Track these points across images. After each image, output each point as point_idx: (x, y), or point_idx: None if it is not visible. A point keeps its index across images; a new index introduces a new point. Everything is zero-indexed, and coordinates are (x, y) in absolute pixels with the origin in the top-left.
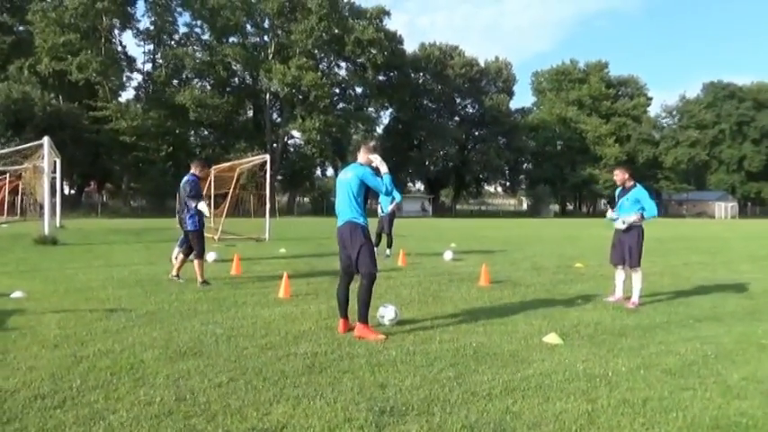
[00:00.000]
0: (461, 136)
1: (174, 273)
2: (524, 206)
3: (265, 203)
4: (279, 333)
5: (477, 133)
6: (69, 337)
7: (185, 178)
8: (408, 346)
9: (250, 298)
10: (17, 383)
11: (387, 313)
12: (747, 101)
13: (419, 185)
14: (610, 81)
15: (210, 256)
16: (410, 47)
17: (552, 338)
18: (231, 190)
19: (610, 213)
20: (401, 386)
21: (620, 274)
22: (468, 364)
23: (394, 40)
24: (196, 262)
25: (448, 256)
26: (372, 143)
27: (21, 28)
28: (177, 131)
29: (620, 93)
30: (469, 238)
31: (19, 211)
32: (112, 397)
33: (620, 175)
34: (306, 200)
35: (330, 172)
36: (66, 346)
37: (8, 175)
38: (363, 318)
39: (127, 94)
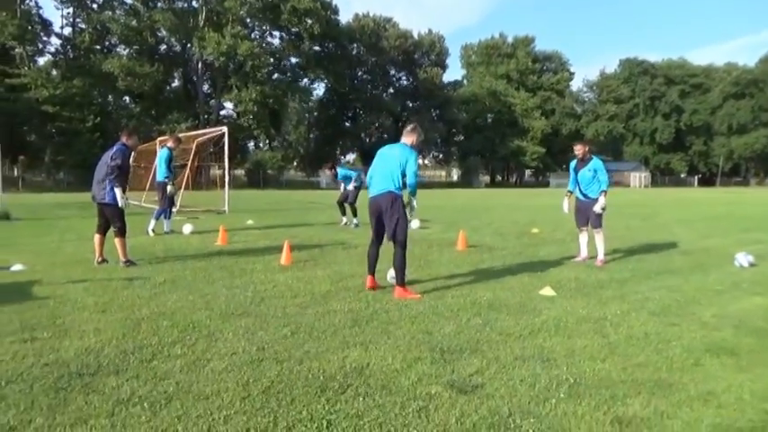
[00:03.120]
0: (396, 108)
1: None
2: (455, 177)
3: (226, 176)
4: (305, 295)
5: (411, 105)
6: (109, 303)
7: (114, 147)
8: (429, 301)
9: (254, 265)
10: (96, 343)
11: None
12: (659, 77)
13: (352, 157)
14: (536, 56)
15: (187, 229)
16: (344, 18)
17: (548, 291)
18: (189, 162)
19: (565, 206)
20: (443, 332)
21: (583, 236)
22: (489, 314)
23: (329, 9)
24: (117, 240)
25: (415, 224)
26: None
27: None
28: (104, 100)
29: (545, 68)
30: (422, 208)
31: None
32: (197, 350)
33: (582, 149)
34: (241, 172)
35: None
36: (115, 311)
37: None
38: (401, 281)
39: (44, 61)
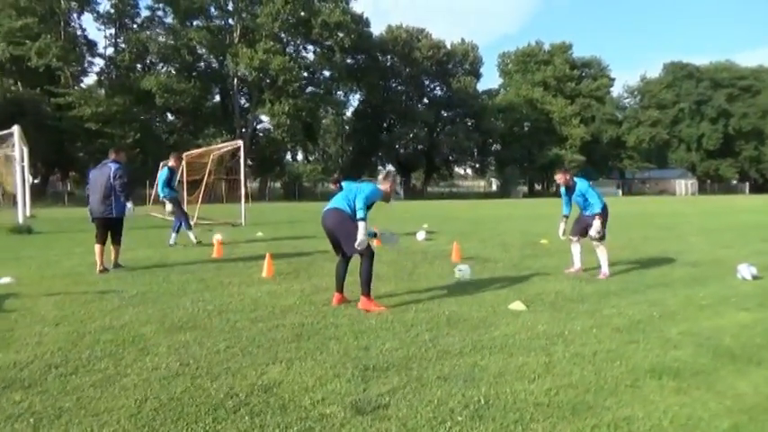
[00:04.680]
0: (430, 118)
1: (101, 267)
2: (494, 187)
3: (239, 189)
4: (266, 308)
5: (445, 115)
6: (68, 317)
7: (113, 166)
8: (387, 315)
9: (235, 278)
10: (29, 356)
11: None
12: (705, 80)
13: (389, 168)
14: (573, 62)
15: (215, 238)
16: (377, 29)
17: (517, 305)
18: (205, 176)
19: (560, 231)
20: (382, 348)
21: (575, 246)
22: (441, 329)
23: (360, 22)
24: (115, 247)
25: (420, 236)
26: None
27: None
28: (143, 117)
29: (583, 74)
30: (441, 219)
31: None
32: (121, 364)
33: (562, 178)
34: (277, 185)
35: (301, 156)
36: (68, 324)
37: None
38: (366, 291)
39: (89, 81)
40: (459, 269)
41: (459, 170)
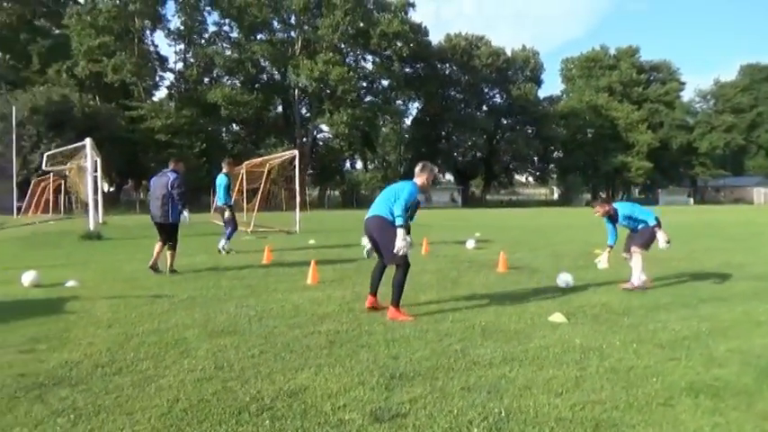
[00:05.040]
0: (489, 126)
1: (152, 262)
2: (555, 195)
3: (297, 197)
4: (305, 314)
5: (505, 123)
6: (120, 319)
7: (171, 176)
8: (423, 325)
9: (280, 284)
10: (80, 356)
11: (567, 279)
12: None
13: (449, 176)
14: (641, 66)
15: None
16: (436, 37)
17: (557, 317)
18: (262, 185)
19: (603, 262)
20: (411, 357)
21: (633, 260)
22: (474, 339)
23: (419, 31)
24: (171, 252)
25: (470, 244)
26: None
27: (57, 32)
28: (209, 128)
29: (651, 78)
30: (495, 228)
31: (63, 209)
32: (161, 366)
33: (601, 210)
34: (336, 193)
35: (360, 165)
36: (118, 326)
37: (51, 174)
38: (395, 301)
39: (160, 94)
40: (561, 279)
41: (519, 178)
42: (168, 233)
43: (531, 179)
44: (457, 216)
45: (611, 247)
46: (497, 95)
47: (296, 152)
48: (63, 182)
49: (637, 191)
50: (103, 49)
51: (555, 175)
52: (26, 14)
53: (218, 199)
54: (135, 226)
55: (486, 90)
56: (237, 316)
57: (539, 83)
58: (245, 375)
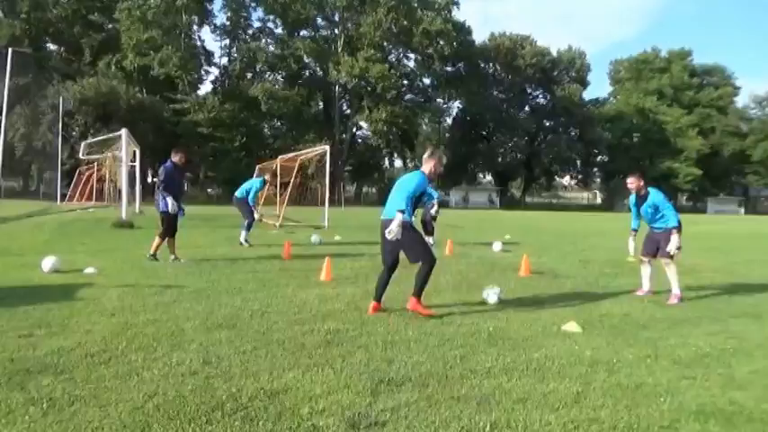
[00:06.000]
0: (531, 127)
1: (152, 252)
2: (599, 200)
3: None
4: (310, 311)
5: (547, 124)
6: (125, 308)
7: (162, 166)
8: (428, 328)
9: (293, 280)
10: (74, 343)
11: (491, 294)
12: None
13: (488, 177)
14: (694, 70)
15: (314, 239)
16: (481, 36)
17: (571, 327)
18: (292, 179)
19: (630, 248)
20: (407, 361)
21: (645, 267)
22: (477, 346)
23: (462, 30)
24: (157, 240)
25: (497, 246)
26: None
27: (109, 26)
28: (251, 123)
29: (704, 82)
30: (528, 230)
31: (106, 198)
32: (150, 358)
33: (635, 183)
34: (374, 190)
35: (398, 163)
36: (121, 315)
37: (96, 163)
38: (417, 293)
39: (205, 88)
40: (488, 293)
41: (562, 181)
42: (161, 221)
43: (573, 183)
44: (490, 217)
45: (635, 231)
46: (540, 96)
47: (327, 148)
48: (108, 171)
49: (684, 198)
50: (151, 43)
51: (598, 179)
52: (81, 9)
53: (244, 194)
54: None
55: (529, 90)
56: (241, 310)
57: (584, 84)
58: (231, 372)
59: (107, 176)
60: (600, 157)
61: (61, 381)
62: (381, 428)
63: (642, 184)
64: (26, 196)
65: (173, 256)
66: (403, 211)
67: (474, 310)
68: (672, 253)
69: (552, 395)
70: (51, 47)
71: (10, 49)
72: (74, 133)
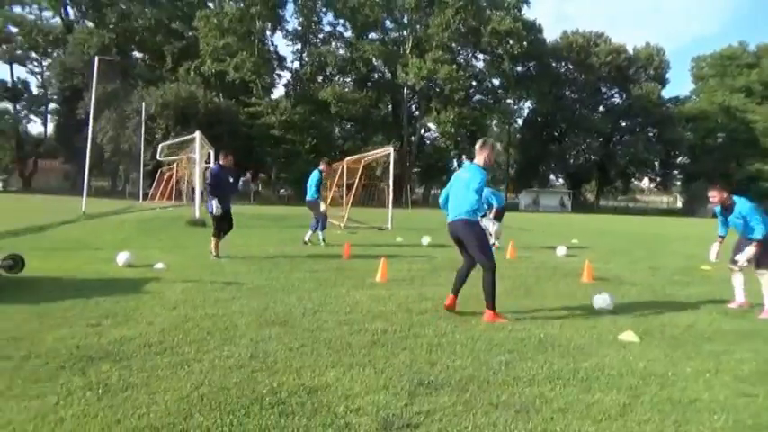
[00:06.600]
0: (606, 128)
1: (213, 252)
2: (679, 204)
3: (390, 194)
4: (361, 311)
5: (623, 125)
6: (186, 302)
7: (211, 168)
8: (477, 332)
9: (349, 280)
10: (135, 333)
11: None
12: None
13: (560, 180)
14: None
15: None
16: (553, 35)
17: (628, 336)
18: (356, 181)
19: (713, 254)
20: (450, 365)
21: (737, 277)
22: (525, 352)
23: (533, 29)
24: (216, 239)
25: (561, 251)
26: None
27: (189, 34)
28: (321, 125)
29: None
30: (598, 235)
31: (185, 197)
32: (202, 350)
33: (717, 197)
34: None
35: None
36: (182, 309)
37: (175, 164)
38: (490, 305)
39: (278, 91)
40: (599, 299)
41: (640, 184)
42: (212, 221)
43: (652, 186)
44: (560, 221)
45: (722, 238)
46: (616, 95)
47: (390, 149)
48: (184, 171)
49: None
50: (227, 49)
51: (679, 182)
52: (164, 18)
53: (309, 194)
54: (242, 216)
55: (603, 90)
56: (294, 308)
57: (663, 82)
58: (275, 367)
59: (184, 177)
60: (680, 158)
61: (118, 368)
62: (414, 430)
63: (726, 195)
64: (113, 195)
65: (214, 253)
66: (484, 215)
67: (528, 316)
68: (741, 263)
69: (596, 406)
70: (137, 54)
71: (96, 58)
72: (157, 136)
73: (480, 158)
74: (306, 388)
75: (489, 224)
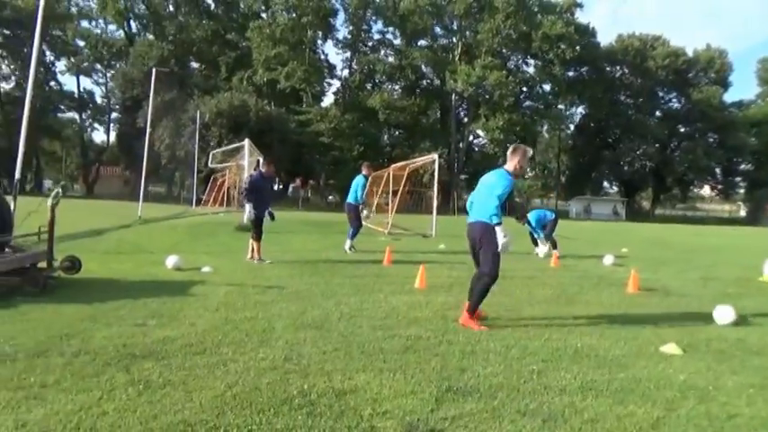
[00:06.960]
0: (662, 133)
1: (257, 256)
2: (742, 212)
3: (435, 201)
4: (396, 317)
5: (682, 130)
6: (228, 305)
7: (254, 174)
8: (511, 340)
9: (388, 286)
10: (178, 334)
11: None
12: None
13: (614, 188)
14: None
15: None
16: (609, 38)
17: (670, 348)
18: (401, 188)
19: None
20: (481, 372)
21: None
22: (559, 362)
23: (586, 33)
24: (257, 243)
25: (608, 260)
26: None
27: (243, 44)
28: (369, 132)
29: None
30: (650, 244)
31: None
32: (239, 351)
33: None
34: None
35: None
36: (223, 311)
37: (227, 171)
38: (472, 307)
39: (328, 99)
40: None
41: (700, 192)
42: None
43: (713, 194)
44: (611, 229)
45: None
46: (674, 100)
47: (435, 156)
48: (234, 178)
49: None
50: (278, 58)
51: (742, 190)
52: (220, 30)
53: (356, 199)
54: (289, 222)
55: (660, 94)
56: (331, 312)
57: (725, 86)
58: (308, 370)
59: (235, 183)
60: (744, 165)
61: (159, 366)
62: None
63: None
64: (169, 201)
65: (248, 255)
66: (500, 223)
67: (566, 325)
68: None
69: (628, 419)
70: (193, 65)
71: (154, 69)
72: (211, 143)
73: (511, 164)
74: (335, 390)
75: (500, 234)
